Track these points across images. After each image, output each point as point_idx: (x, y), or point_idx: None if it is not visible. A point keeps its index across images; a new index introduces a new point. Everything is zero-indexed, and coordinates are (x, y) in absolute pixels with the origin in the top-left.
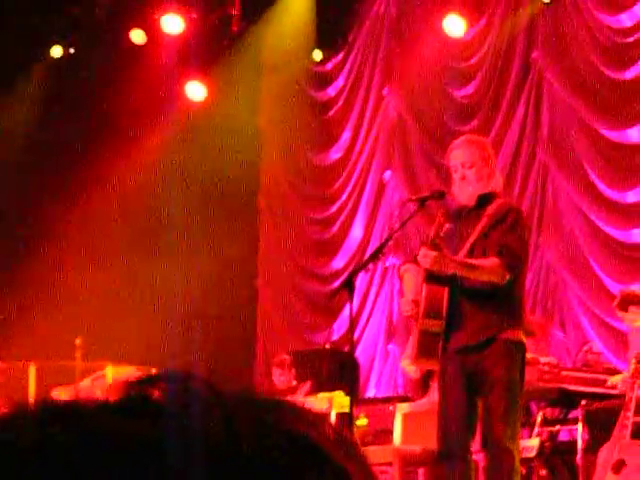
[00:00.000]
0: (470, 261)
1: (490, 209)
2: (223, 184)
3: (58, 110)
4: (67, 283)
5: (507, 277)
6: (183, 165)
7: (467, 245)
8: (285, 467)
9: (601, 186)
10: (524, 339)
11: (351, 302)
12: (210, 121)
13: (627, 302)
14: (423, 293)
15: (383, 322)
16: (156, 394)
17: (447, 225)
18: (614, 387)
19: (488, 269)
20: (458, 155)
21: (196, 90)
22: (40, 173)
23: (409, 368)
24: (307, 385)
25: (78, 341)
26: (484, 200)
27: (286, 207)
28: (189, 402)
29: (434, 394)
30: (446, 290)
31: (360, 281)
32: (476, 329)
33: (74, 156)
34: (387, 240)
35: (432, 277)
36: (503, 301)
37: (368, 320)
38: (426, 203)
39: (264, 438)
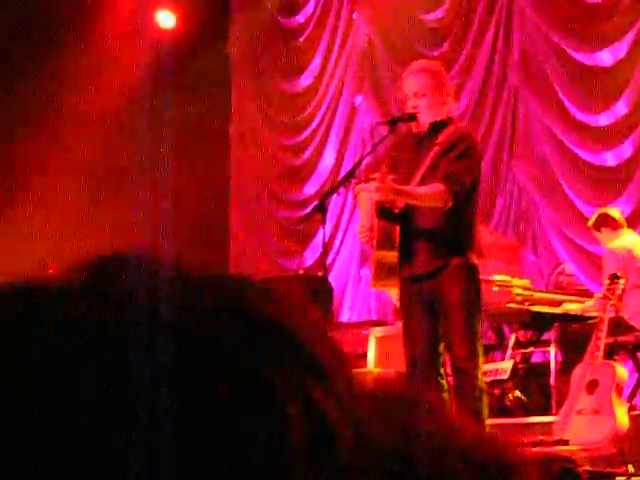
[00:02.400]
0: (412, 189)
1: (442, 136)
2: (194, 114)
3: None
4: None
5: (450, 203)
6: (154, 97)
7: (418, 175)
8: (245, 349)
9: (572, 109)
10: (476, 261)
11: (323, 225)
12: (179, 49)
13: (600, 223)
14: (375, 226)
15: (356, 247)
16: (117, 275)
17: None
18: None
19: (432, 195)
20: (409, 84)
21: (165, 18)
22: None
23: (392, 293)
24: None
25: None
26: (437, 128)
27: (257, 134)
28: (151, 282)
29: None
30: (397, 224)
31: (333, 206)
32: (427, 258)
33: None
34: (358, 163)
35: (383, 214)
36: (453, 229)
37: (341, 245)
38: (397, 126)
39: (227, 318)
